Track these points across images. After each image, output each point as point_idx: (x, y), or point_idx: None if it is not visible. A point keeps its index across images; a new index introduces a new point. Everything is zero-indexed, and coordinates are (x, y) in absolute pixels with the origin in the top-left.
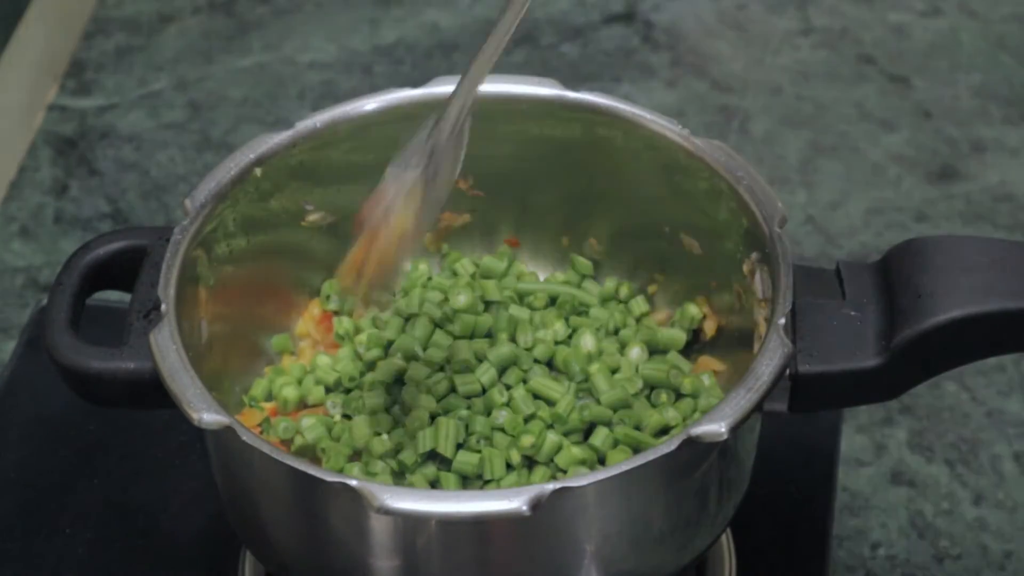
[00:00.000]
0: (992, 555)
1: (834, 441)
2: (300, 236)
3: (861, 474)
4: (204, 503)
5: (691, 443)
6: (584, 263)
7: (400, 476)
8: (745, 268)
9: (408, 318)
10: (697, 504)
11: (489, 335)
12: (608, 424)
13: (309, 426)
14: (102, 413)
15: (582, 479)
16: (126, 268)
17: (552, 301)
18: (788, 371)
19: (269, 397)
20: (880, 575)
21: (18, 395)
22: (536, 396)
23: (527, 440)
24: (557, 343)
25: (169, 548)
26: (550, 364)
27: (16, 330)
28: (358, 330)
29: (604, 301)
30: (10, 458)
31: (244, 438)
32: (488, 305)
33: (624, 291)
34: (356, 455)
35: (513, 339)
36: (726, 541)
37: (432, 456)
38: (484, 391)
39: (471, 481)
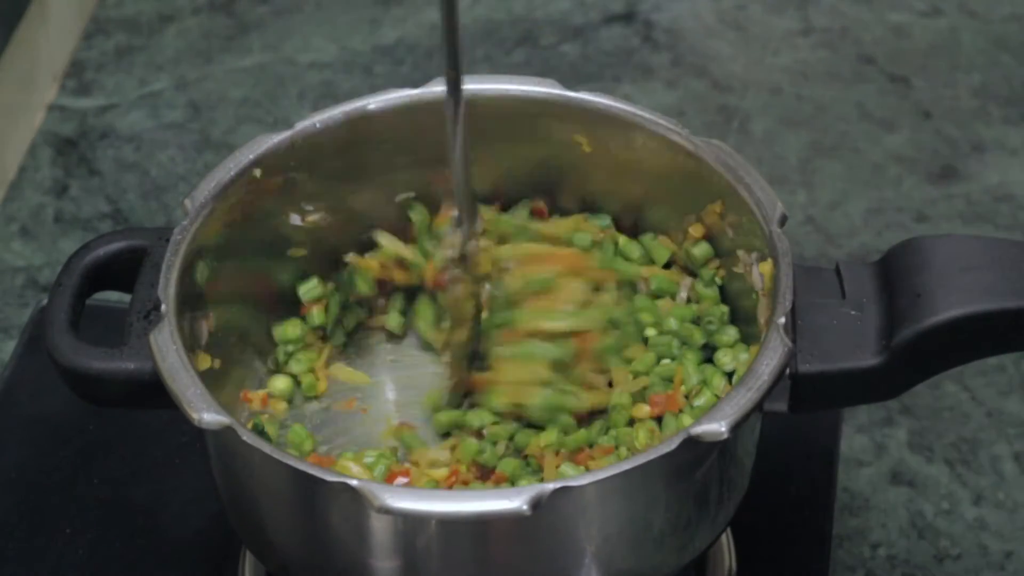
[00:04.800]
0: (992, 555)
1: (834, 441)
2: (301, 236)
3: (861, 474)
4: (204, 503)
5: (691, 443)
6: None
7: None
8: (745, 267)
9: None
10: (697, 504)
11: None
12: None
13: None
14: (102, 413)
15: (582, 479)
16: (126, 268)
17: None
18: (788, 370)
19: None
20: (880, 575)
21: (18, 395)
22: None
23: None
24: None
25: (169, 548)
26: None
27: (16, 330)
28: None
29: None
30: (10, 458)
31: (244, 438)
32: None
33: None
34: None
35: None
36: (726, 541)
37: None
38: None
39: None
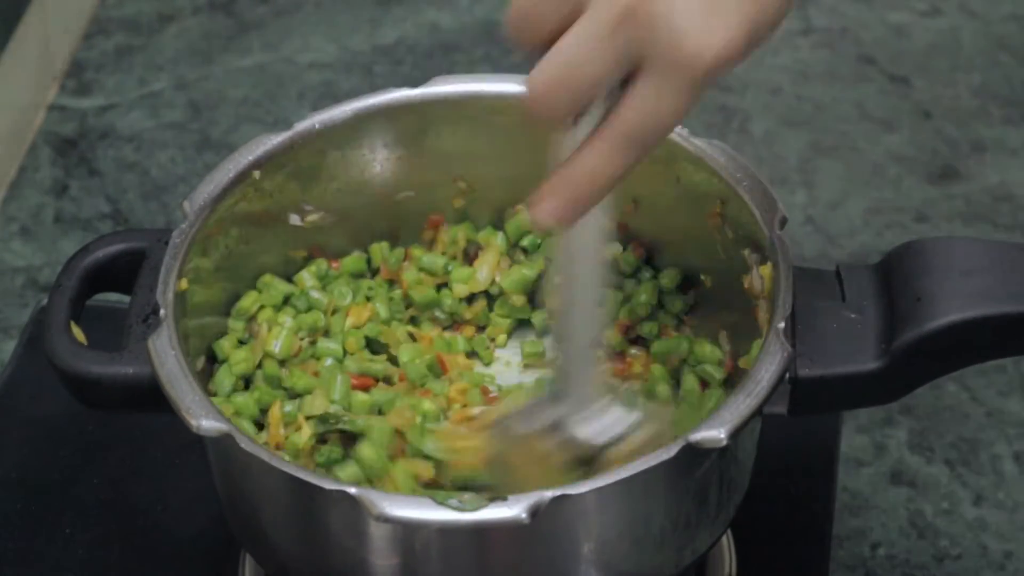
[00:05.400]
0: (992, 555)
1: (834, 441)
2: (300, 237)
3: (861, 474)
4: (204, 503)
5: (690, 449)
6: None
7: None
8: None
9: None
10: (697, 507)
11: None
12: None
13: None
14: (102, 413)
15: (581, 486)
16: (125, 271)
17: None
18: (788, 375)
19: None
20: (880, 575)
21: (18, 395)
22: None
23: None
24: None
25: (169, 548)
26: None
27: (16, 330)
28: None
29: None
30: (10, 458)
31: (243, 445)
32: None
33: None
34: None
35: None
36: (726, 541)
37: None
38: None
39: None
